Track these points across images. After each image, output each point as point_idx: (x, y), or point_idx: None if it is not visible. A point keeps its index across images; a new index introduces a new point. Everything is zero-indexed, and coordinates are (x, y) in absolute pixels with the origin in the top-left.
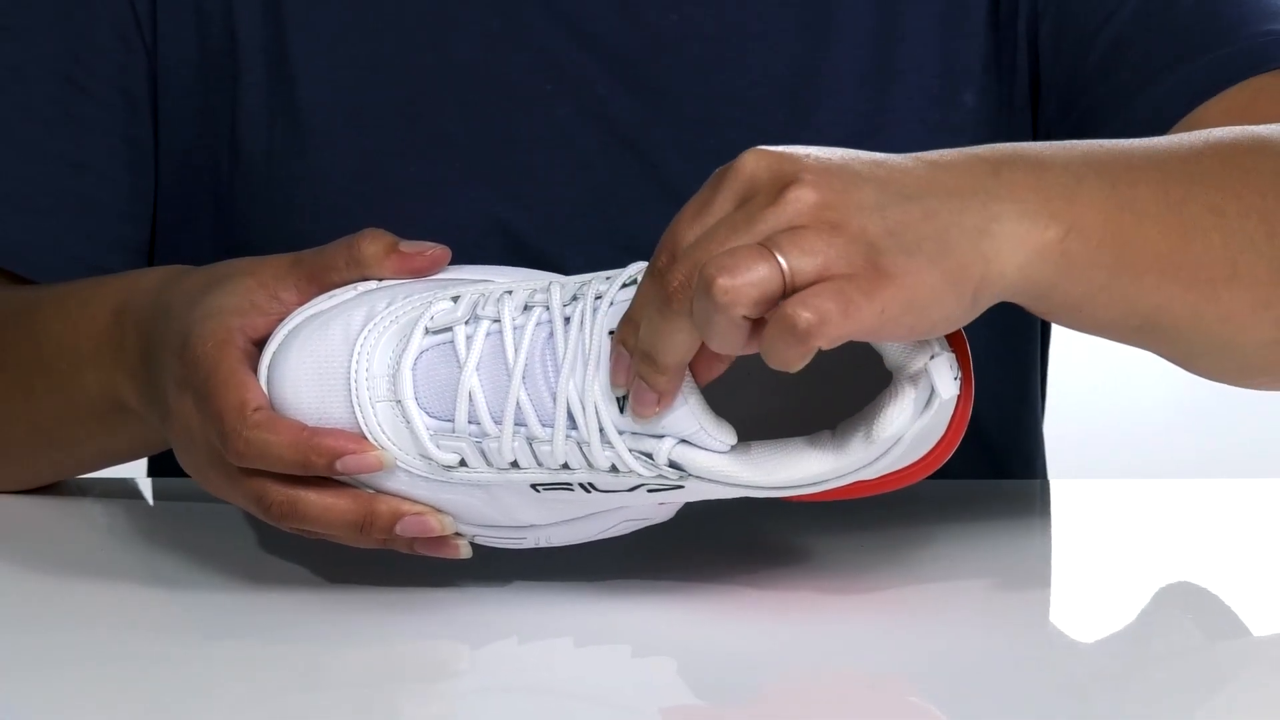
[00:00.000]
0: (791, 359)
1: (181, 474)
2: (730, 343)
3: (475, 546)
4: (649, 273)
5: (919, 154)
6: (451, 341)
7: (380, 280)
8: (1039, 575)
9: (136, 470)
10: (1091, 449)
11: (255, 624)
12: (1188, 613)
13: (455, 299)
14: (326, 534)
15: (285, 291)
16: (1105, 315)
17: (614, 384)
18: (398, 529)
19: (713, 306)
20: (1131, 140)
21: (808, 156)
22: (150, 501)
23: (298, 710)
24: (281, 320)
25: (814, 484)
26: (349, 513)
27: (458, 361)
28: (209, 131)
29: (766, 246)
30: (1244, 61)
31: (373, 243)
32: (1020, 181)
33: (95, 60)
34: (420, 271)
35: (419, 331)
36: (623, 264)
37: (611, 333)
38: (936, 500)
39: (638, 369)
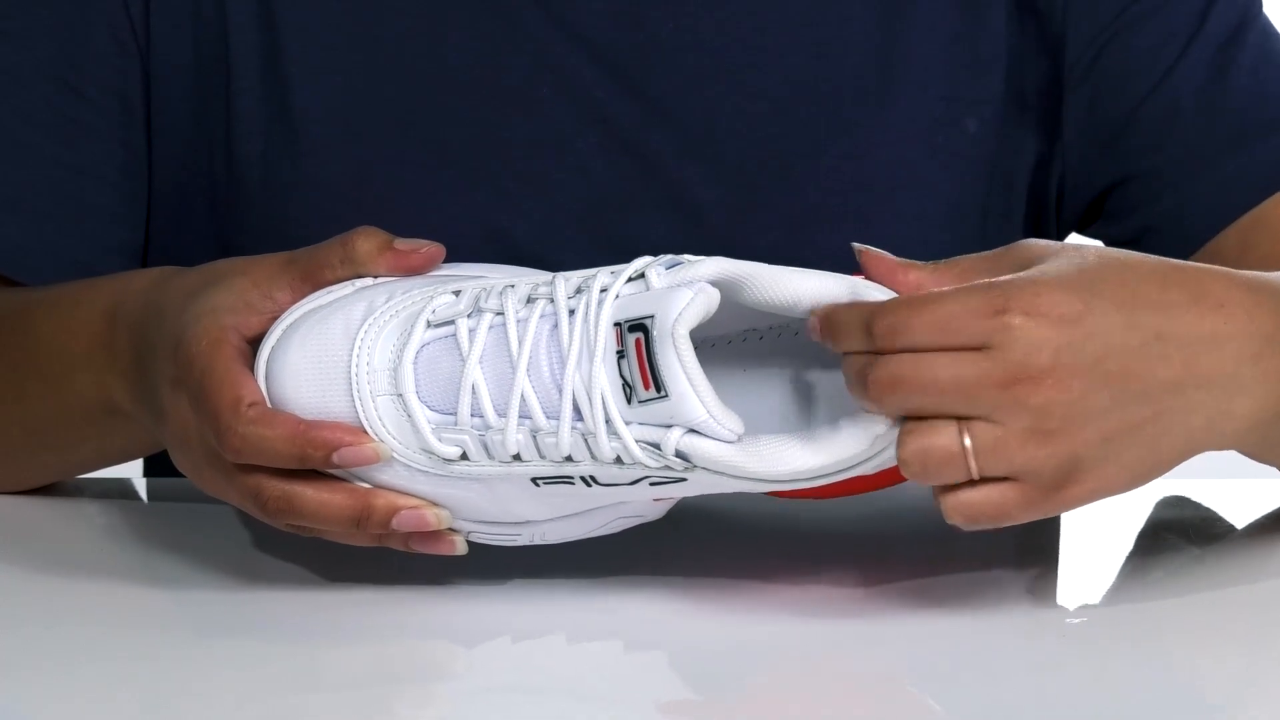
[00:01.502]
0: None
1: (177, 474)
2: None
3: (470, 545)
4: (866, 318)
5: (1210, 311)
6: (454, 334)
7: (375, 278)
8: (1039, 574)
9: (132, 470)
10: None
11: (250, 624)
12: (1191, 613)
13: (457, 293)
14: (322, 530)
15: (279, 291)
16: None
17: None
18: (394, 523)
19: (897, 443)
20: None
21: (1067, 346)
22: (146, 501)
23: (293, 710)
24: (275, 319)
25: (817, 476)
26: (345, 508)
27: (460, 354)
28: (203, 136)
29: (964, 435)
30: None
31: (367, 240)
32: (1274, 371)
33: (90, 64)
34: (415, 269)
35: (421, 325)
36: None
37: (617, 324)
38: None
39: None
